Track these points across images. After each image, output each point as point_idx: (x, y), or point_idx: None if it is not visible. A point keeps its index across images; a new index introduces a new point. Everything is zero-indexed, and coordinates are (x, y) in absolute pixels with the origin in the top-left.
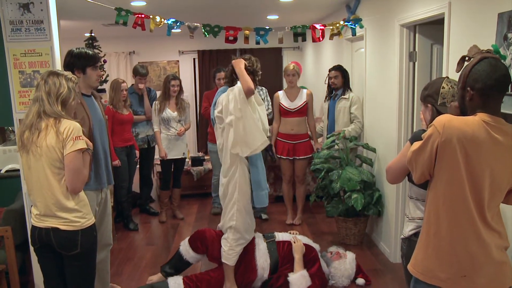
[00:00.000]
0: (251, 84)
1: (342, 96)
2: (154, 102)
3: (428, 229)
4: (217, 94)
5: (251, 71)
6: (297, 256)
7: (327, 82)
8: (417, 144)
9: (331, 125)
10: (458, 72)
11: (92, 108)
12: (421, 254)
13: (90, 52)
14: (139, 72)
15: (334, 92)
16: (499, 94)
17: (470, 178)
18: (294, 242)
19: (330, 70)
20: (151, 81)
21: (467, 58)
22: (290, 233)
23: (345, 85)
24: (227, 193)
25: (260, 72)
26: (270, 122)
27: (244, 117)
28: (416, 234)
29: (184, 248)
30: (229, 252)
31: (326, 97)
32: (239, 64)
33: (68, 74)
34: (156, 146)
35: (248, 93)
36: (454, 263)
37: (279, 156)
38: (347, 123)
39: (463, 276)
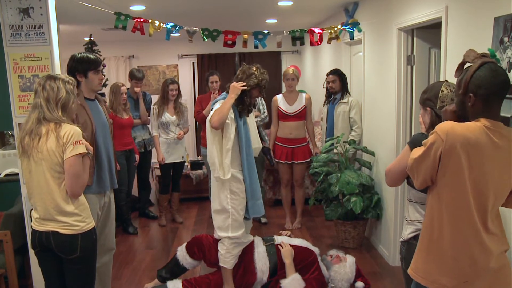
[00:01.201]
0: (217, 121)
1: (341, 100)
2: (152, 106)
3: (430, 234)
4: (216, 100)
5: (258, 85)
6: (287, 261)
7: (325, 86)
8: (418, 152)
9: (330, 129)
10: (457, 77)
11: (96, 112)
12: (422, 258)
13: (92, 56)
14: (135, 76)
15: (332, 96)
16: (500, 99)
17: (473, 184)
18: (282, 247)
19: (327, 74)
20: (150, 85)
21: (467, 64)
22: (281, 234)
23: (344, 89)
24: (217, 204)
25: (265, 84)
26: (267, 126)
27: (208, 143)
28: (415, 237)
29: (181, 253)
30: (226, 255)
31: (325, 101)
32: (232, 92)
33: (65, 76)
34: (153, 150)
35: (212, 126)
36: (457, 269)
37: (277, 160)
38: (346, 127)
39: (465, 282)
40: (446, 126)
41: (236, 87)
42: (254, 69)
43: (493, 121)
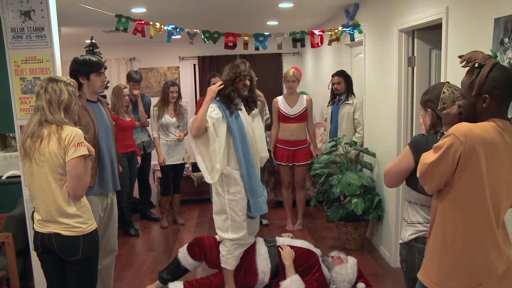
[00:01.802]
0: (194, 129)
1: (346, 102)
2: (153, 108)
3: (443, 238)
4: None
5: (236, 76)
6: (287, 262)
7: (330, 87)
8: (431, 156)
9: (334, 130)
10: (468, 79)
11: (98, 114)
12: (435, 264)
13: (94, 59)
14: (133, 78)
15: (337, 98)
16: (510, 99)
17: (490, 185)
18: (282, 249)
19: (333, 76)
20: (151, 87)
21: (476, 65)
22: (283, 236)
23: (349, 91)
24: (216, 205)
25: (246, 72)
26: (269, 127)
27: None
28: (416, 239)
29: (183, 255)
30: (228, 256)
31: (329, 102)
32: (206, 96)
33: (67, 78)
34: (153, 152)
35: (192, 136)
36: (472, 272)
37: (278, 162)
38: (350, 129)
39: (479, 285)
40: (463, 127)
41: (211, 89)
42: (229, 65)
43: (503, 121)
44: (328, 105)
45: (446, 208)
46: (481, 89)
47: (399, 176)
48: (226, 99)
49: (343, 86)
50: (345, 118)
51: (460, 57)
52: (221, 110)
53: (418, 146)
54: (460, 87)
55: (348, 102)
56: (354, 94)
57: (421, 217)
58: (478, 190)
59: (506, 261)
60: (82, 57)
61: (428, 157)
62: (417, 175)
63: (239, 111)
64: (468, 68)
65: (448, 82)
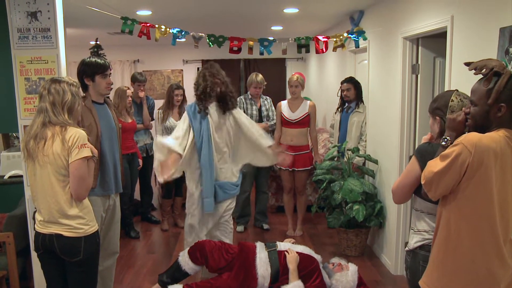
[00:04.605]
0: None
1: (357, 110)
2: (157, 110)
3: (446, 246)
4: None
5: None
6: (292, 266)
7: (339, 94)
8: (438, 164)
9: (343, 138)
10: (487, 87)
11: (104, 115)
12: (437, 271)
13: (100, 61)
14: (137, 79)
15: (347, 105)
16: None
17: (499, 196)
18: (288, 253)
19: (342, 83)
20: (154, 89)
21: (483, 70)
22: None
23: (358, 98)
24: None
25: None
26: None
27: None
28: (421, 247)
29: (183, 259)
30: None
31: (337, 108)
32: None
33: (69, 79)
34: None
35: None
36: (474, 281)
37: (279, 167)
38: (359, 137)
39: None
40: (473, 138)
41: None
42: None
43: (510, 130)
44: (336, 112)
45: (450, 215)
46: (498, 97)
47: (409, 189)
48: (199, 98)
49: (352, 93)
50: (355, 126)
51: (467, 64)
52: (190, 120)
53: (424, 155)
54: (468, 95)
55: (359, 110)
56: (363, 102)
57: (427, 225)
58: (484, 200)
59: (511, 275)
60: (88, 59)
61: (435, 165)
62: (422, 182)
63: (208, 115)
64: (478, 75)
65: (457, 90)
